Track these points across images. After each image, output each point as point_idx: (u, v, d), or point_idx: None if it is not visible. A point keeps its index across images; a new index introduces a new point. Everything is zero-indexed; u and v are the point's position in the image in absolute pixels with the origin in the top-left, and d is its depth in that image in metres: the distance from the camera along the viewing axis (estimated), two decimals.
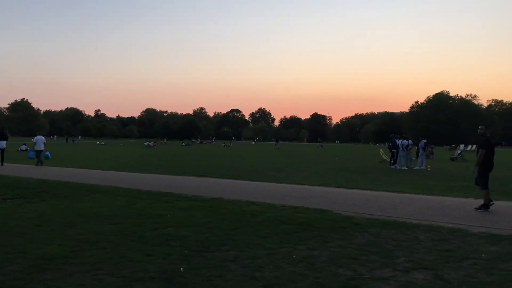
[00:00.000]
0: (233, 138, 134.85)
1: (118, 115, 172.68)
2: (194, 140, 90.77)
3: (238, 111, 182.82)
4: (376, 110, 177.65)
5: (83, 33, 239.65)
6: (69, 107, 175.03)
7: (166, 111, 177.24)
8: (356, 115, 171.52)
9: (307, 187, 12.32)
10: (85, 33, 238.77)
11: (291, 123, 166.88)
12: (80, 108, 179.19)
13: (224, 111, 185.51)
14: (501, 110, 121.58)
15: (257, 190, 11.31)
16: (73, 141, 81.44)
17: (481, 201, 8.65)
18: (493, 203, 8.55)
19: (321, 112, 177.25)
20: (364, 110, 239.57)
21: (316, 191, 11.37)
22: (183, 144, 69.63)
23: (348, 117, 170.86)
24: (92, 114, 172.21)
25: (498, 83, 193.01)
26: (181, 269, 4.67)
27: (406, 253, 5.36)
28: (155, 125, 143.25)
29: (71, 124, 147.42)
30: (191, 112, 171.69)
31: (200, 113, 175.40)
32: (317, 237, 6.16)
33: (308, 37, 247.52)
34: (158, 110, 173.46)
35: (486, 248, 5.60)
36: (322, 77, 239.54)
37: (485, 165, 8.55)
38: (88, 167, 19.35)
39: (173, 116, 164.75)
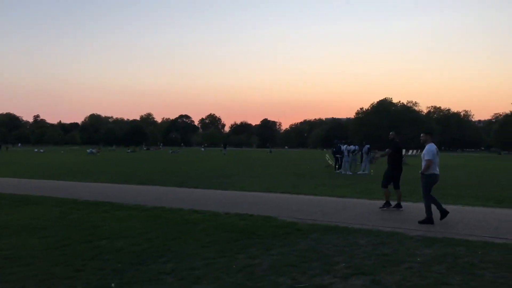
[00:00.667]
0: (182, 144, 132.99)
1: (60, 121, 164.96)
2: (140, 147, 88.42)
3: (187, 116, 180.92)
4: (324, 116, 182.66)
5: (20, 32, 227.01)
6: (4, 113, 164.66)
7: (112, 117, 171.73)
8: (304, 120, 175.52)
9: (253, 193, 12.25)
10: (23, 32, 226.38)
11: (242, 128, 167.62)
12: (17, 113, 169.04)
13: (172, 117, 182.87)
14: (439, 117, 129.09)
15: (201, 198, 11.08)
16: (6, 148, 76.45)
17: (416, 206, 9.00)
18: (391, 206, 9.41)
19: (271, 118, 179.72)
20: (312, 116, 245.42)
21: (262, 197, 11.32)
22: (129, 151, 67.58)
23: (297, 123, 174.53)
24: (31, 120, 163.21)
25: (437, 91, 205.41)
26: (112, 284, 4.39)
27: (346, 258, 5.39)
28: (100, 132, 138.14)
29: (6, 130, 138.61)
30: (138, 118, 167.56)
31: (147, 119, 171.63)
32: (259, 245, 6.07)
33: (259, 43, 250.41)
34: (103, 116, 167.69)
35: (422, 251, 5.76)
36: (272, 83, 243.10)
37: (396, 165, 9.36)
38: (21, 176, 18.14)
39: (119, 122, 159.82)
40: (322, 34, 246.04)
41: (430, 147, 7.89)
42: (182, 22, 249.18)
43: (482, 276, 4.67)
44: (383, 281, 4.52)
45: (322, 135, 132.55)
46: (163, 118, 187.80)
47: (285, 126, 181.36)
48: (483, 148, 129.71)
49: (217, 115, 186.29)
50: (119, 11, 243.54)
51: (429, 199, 7.84)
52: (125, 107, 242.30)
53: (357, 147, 22.78)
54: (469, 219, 8.12)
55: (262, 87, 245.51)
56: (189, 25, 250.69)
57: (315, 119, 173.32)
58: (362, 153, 23.55)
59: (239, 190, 12.95)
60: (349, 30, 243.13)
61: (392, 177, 9.41)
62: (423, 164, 7.91)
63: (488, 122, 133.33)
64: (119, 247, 5.90)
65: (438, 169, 7.90)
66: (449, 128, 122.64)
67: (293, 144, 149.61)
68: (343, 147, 22.31)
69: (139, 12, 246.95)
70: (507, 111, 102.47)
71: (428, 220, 7.70)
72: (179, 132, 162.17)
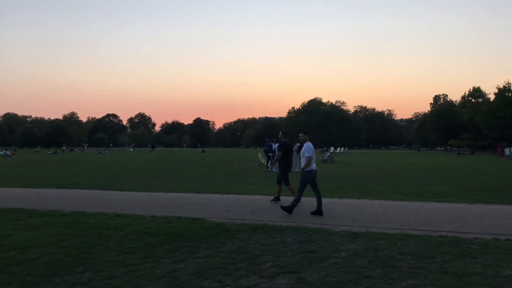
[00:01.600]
0: (111, 144, 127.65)
1: None
2: (64, 148, 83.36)
3: (114, 115, 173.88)
4: (257, 115, 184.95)
5: None
6: None
7: (30, 116, 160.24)
8: (238, 120, 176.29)
9: (182, 194, 11.98)
10: None
11: (173, 128, 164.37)
12: None
13: (99, 116, 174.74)
14: (365, 116, 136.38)
15: (127, 201, 10.61)
16: None
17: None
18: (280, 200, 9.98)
19: (204, 117, 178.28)
20: (246, 115, 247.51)
21: (191, 198, 11.10)
22: (49, 152, 63.42)
23: (231, 122, 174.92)
24: None
25: (363, 91, 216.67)
26: None
27: (273, 257, 5.40)
28: (16, 132, 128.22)
29: None
30: (60, 117, 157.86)
31: (71, 118, 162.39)
32: (185, 248, 5.90)
33: (191, 41, 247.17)
34: (20, 115, 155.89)
35: (346, 246, 5.95)
36: (206, 82, 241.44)
37: (285, 164, 9.92)
38: None
39: (38, 122, 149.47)
40: (255, 33, 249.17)
41: (309, 145, 8.65)
42: (109, 16, 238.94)
43: (401, 268, 4.91)
44: (308, 278, 4.58)
45: (255, 134, 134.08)
46: (88, 118, 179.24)
47: (218, 125, 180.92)
48: (404, 145, 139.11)
49: (147, 114, 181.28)
50: (40, 2, 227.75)
51: (301, 194, 8.58)
52: (45, 106, 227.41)
53: None
54: (390, 213, 8.56)
55: (195, 86, 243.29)
56: (117, 19, 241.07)
57: (248, 118, 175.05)
58: (293, 151, 24.07)
59: (167, 192, 12.59)
60: (281, 30, 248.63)
61: (281, 173, 9.99)
62: (303, 160, 8.57)
63: (409, 121, 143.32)
64: (30, 258, 5.43)
65: (314, 165, 8.68)
66: (374, 127, 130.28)
67: (227, 143, 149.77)
68: (274, 145, 22.66)
69: (61, 4, 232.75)
70: (426, 111, 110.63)
71: (289, 209, 8.46)
72: (106, 132, 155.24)
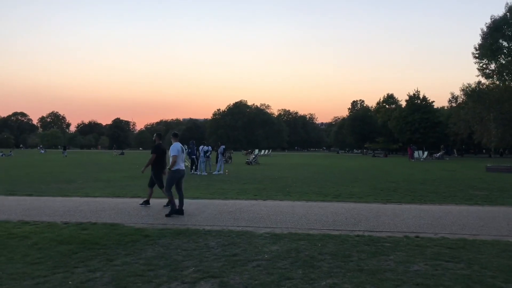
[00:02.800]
0: (21, 146, 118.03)
1: None
2: None
3: (23, 114, 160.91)
4: (181, 116, 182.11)
5: None
6: None
7: None
8: (161, 121, 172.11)
9: (98, 199, 11.38)
10: None
11: (90, 128, 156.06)
12: None
13: (4, 114, 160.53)
14: (288, 119, 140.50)
15: (36, 207, 9.82)
16: None
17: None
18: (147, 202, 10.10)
19: (124, 117, 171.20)
20: (169, 116, 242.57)
21: (108, 203, 10.58)
22: None
23: (153, 123, 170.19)
24: None
25: (287, 95, 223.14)
26: None
27: (196, 262, 5.32)
28: None
29: None
30: None
31: None
32: (102, 256, 5.60)
33: (111, 38, 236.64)
34: None
35: (269, 248, 6.04)
36: (126, 81, 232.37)
37: (159, 167, 9.92)
38: None
39: None
40: (181, 33, 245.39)
41: (176, 146, 8.91)
42: (22, 6, 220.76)
43: (320, 268, 5.09)
44: (231, 282, 4.57)
45: (179, 136, 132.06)
46: None
47: (140, 126, 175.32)
48: (324, 148, 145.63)
49: (61, 113, 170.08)
50: None
51: (170, 192, 8.77)
52: None
53: (210, 147, 23.19)
54: (311, 214, 8.87)
55: (115, 85, 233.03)
56: (28, 12, 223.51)
57: (172, 119, 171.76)
58: (217, 154, 24.07)
59: (82, 197, 11.90)
60: (208, 31, 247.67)
61: (154, 176, 9.98)
62: (171, 160, 8.79)
63: (329, 125, 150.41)
64: None
65: (182, 165, 8.95)
66: (296, 130, 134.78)
67: (148, 145, 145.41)
68: (201, 148, 22.50)
69: None
70: (344, 115, 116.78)
71: (177, 211, 8.67)
72: (12, 132, 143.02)
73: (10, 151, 64.86)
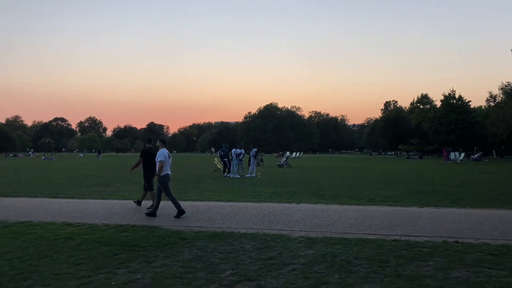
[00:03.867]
0: (63, 150, 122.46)
1: None
2: (6, 153, 78.85)
3: (63, 119, 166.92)
4: (213, 119, 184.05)
5: None
6: None
7: None
8: (193, 124, 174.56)
9: None
10: None
11: (125, 133, 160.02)
12: None
13: (45, 120, 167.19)
14: (319, 121, 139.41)
15: (77, 209, 10.18)
16: None
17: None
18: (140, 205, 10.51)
19: (158, 121, 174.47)
20: (201, 119, 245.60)
21: (145, 205, 10.79)
22: None
23: (186, 127, 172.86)
24: None
25: (318, 97, 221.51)
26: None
27: (232, 265, 5.38)
28: None
29: None
30: (3, 121, 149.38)
31: (14, 122, 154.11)
32: (141, 258, 5.75)
33: (145, 44, 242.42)
34: None
35: (304, 252, 6.02)
36: (160, 86, 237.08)
37: (146, 170, 10.27)
38: None
39: None
40: (212, 37, 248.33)
41: (162, 151, 9.15)
42: (57, 15, 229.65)
43: (357, 272, 5.04)
44: (268, 286, 4.60)
45: (211, 139, 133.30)
46: (34, 121, 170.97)
47: (173, 129, 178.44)
48: (357, 150, 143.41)
49: (98, 118, 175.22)
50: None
51: (171, 196, 9.10)
52: None
53: (242, 150, 23.31)
54: (345, 218, 8.77)
55: (148, 90, 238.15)
56: (65, 18, 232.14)
57: (204, 122, 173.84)
58: (249, 156, 24.19)
59: (119, 199, 12.22)
60: (238, 36, 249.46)
61: (144, 179, 10.38)
62: (157, 166, 9.09)
63: (361, 126, 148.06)
64: None
65: (169, 170, 9.22)
66: (327, 132, 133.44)
67: (182, 148, 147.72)
68: (233, 150, 22.68)
69: (6, 3, 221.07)
70: (377, 116, 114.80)
71: (179, 212, 8.95)
72: (53, 136, 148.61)
73: (52, 155, 67.39)
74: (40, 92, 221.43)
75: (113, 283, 4.72)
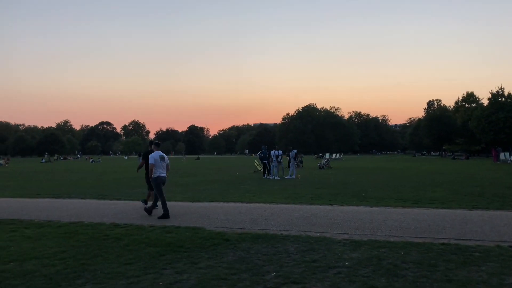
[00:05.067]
0: (110, 152, 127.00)
1: None
2: (56, 157, 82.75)
3: (108, 123, 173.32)
4: (252, 121, 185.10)
5: None
6: None
7: (23, 125, 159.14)
8: (233, 126, 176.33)
9: (179, 203, 11.89)
10: None
11: (167, 135, 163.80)
12: None
13: (92, 124, 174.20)
14: (359, 121, 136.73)
15: (123, 210, 10.52)
16: None
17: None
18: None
19: (198, 124, 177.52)
20: (240, 121, 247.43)
21: (188, 207, 11.03)
22: (43, 161, 62.95)
23: (225, 129, 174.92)
24: None
25: (358, 97, 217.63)
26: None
27: (276, 267, 5.36)
28: (8, 140, 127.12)
29: None
30: (54, 126, 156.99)
31: (64, 126, 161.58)
32: (186, 259, 5.85)
33: (185, 47, 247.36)
34: (13, 123, 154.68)
35: (349, 255, 5.92)
36: (200, 88, 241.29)
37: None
38: None
39: (31, 130, 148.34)
40: (251, 39, 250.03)
41: (153, 155, 9.58)
42: (102, 22, 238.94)
43: (405, 277, 4.89)
44: None
45: (250, 141, 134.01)
46: (81, 125, 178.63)
47: (213, 132, 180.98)
48: (399, 151, 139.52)
49: (141, 121, 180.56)
50: (32, 6, 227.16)
51: (162, 198, 9.45)
52: (38, 114, 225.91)
53: (280, 152, 23.24)
54: (390, 220, 8.55)
55: (189, 93, 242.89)
56: (110, 24, 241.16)
57: (243, 124, 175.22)
58: (289, 158, 24.10)
59: None
60: (276, 37, 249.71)
61: (146, 180, 10.95)
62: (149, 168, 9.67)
63: (404, 126, 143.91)
64: (29, 270, 5.36)
65: (163, 172, 9.59)
66: (368, 132, 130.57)
67: (222, 150, 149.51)
68: (272, 152, 22.66)
69: (53, 9, 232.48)
70: (420, 116, 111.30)
71: (164, 215, 9.20)
72: (99, 140, 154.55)
73: (99, 158, 70.17)
74: (88, 97, 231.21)
75: (160, 283, 4.83)
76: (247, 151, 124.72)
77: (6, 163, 50.14)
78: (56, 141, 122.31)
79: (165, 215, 9.22)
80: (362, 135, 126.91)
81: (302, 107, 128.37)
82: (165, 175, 9.63)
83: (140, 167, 11.42)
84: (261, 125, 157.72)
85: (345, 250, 6.17)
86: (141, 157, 11.37)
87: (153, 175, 9.44)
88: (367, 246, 6.39)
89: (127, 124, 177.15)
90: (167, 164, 9.77)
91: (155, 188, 9.57)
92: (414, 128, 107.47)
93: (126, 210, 10.66)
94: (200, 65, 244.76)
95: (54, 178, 24.62)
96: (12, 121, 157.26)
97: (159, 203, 9.89)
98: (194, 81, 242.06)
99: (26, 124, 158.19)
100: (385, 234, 7.26)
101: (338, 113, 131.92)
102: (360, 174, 25.11)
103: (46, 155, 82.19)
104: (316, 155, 75.94)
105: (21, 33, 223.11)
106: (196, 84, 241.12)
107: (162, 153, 9.76)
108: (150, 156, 9.64)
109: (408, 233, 7.36)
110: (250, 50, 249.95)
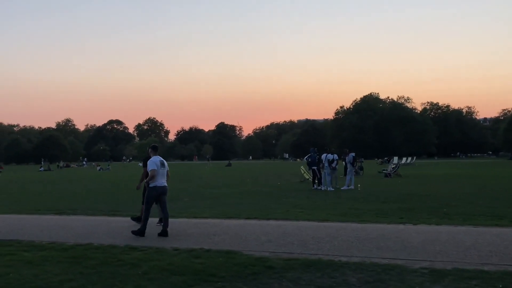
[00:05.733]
0: (124, 158, 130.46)
1: None
2: (62, 163, 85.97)
3: (118, 122, 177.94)
4: (296, 117, 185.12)
5: None
6: None
7: (18, 125, 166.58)
8: (272, 124, 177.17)
9: (209, 220, 12.08)
10: None
11: (190, 136, 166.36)
12: None
13: (99, 123, 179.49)
14: (436, 115, 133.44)
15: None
16: None
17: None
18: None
19: (228, 121, 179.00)
20: (281, 118, 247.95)
21: (221, 225, 11.17)
22: (41, 169, 65.52)
23: (263, 127, 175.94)
24: None
25: (434, 84, 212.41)
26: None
27: None
28: (1, 144, 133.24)
29: None
30: (53, 126, 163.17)
31: (65, 127, 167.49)
32: None
33: (210, 30, 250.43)
34: (6, 124, 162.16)
35: None
36: (230, 80, 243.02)
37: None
38: None
39: (27, 132, 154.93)
40: (291, 21, 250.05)
41: (153, 159, 10.08)
42: (106, 7, 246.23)
43: None
44: None
45: (293, 142, 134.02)
46: (86, 125, 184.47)
47: (247, 131, 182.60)
48: (490, 153, 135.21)
49: (158, 119, 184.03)
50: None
51: (147, 212, 10.00)
52: (35, 113, 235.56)
53: (335, 156, 22.94)
54: (482, 243, 8.35)
55: (216, 85, 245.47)
56: (124, 10, 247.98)
57: (284, 121, 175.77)
58: (345, 163, 23.89)
59: (188, 217, 12.73)
60: (327, 11, 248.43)
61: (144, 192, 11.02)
62: (149, 174, 9.97)
63: (495, 121, 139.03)
64: None
65: (163, 181, 10.09)
66: (448, 128, 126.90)
67: (258, 153, 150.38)
68: (323, 156, 22.47)
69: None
70: None
71: (140, 232, 9.83)
72: (108, 142, 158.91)
73: (108, 165, 72.25)
74: (92, 91, 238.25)
75: None
76: (286, 155, 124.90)
77: None
78: (56, 145, 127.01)
79: (141, 232, 9.87)
80: (440, 132, 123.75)
81: (361, 98, 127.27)
82: (165, 184, 10.18)
83: (143, 178, 11.19)
84: (307, 121, 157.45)
85: (423, 282, 6.07)
86: (142, 164, 11.51)
87: (151, 184, 9.91)
88: (452, 277, 6.26)
89: (141, 122, 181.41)
90: (167, 171, 10.32)
91: (146, 200, 10.07)
92: (508, 123, 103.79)
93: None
94: (228, 50, 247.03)
95: (55, 190, 25.56)
96: (5, 121, 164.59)
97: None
98: (221, 69, 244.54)
99: (21, 125, 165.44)
100: (476, 262, 7.10)
101: (408, 105, 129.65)
102: (439, 184, 24.56)
103: (43, 162, 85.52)
104: (380, 160, 74.89)
105: (14, 20, 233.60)
106: (224, 72, 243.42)
107: (162, 158, 10.30)
108: (150, 161, 10.09)
109: (507, 260, 7.17)
110: (288, 26, 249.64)
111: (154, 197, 10.01)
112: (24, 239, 9.88)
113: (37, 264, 7.54)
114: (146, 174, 10.84)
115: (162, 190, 10.05)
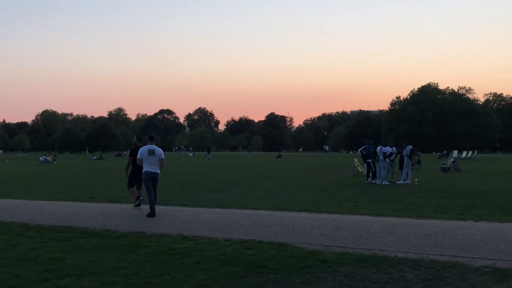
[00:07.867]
0: (175, 148, 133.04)
1: (4, 120, 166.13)
2: (125, 152, 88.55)
3: (169, 112, 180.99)
4: (348, 108, 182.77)
5: None
6: None
7: (71, 114, 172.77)
8: (323, 115, 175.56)
9: (261, 212, 12.20)
10: None
11: (240, 126, 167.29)
12: None
13: (150, 113, 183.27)
14: (501, 106, 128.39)
15: (192, 219, 11.02)
16: None
17: None
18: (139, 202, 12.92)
19: (279, 112, 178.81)
20: (333, 109, 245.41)
21: (273, 217, 11.25)
22: (94, 158, 67.73)
23: (314, 118, 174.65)
24: None
25: (498, 73, 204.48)
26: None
27: None
28: (55, 133, 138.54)
29: None
30: (105, 115, 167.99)
31: (117, 116, 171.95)
32: (272, 282, 6.00)
33: (260, 19, 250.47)
34: (60, 112, 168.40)
35: (492, 287, 5.68)
36: (281, 69, 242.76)
37: (133, 169, 12.72)
38: None
39: (80, 121, 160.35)
40: (347, 7, 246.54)
41: (142, 149, 11.79)
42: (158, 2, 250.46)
43: None
44: None
45: (346, 133, 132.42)
46: (138, 115, 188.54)
47: (298, 122, 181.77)
48: None
49: (208, 109, 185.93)
50: None
51: (149, 194, 11.57)
52: (88, 102, 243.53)
53: (394, 149, 22.58)
54: None
55: (267, 73, 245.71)
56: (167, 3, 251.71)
57: (336, 112, 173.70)
58: (402, 157, 23.44)
59: (240, 208, 12.88)
60: (380, 3, 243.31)
61: (137, 179, 12.67)
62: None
63: None
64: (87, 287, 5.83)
65: (150, 167, 11.59)
66: None
67: (309, 145, 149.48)
68: (378, 148, 22.17)
69: None
70: None
71: (150, 214, 11.34)
72: (159, 132, 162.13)
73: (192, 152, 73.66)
74: (144, 81, 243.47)
75: None
76: (327, 148, 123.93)
77: (54, 160, 54.65)
78: (108, 134, 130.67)
79: (152, 214, 11.33)
80: (505, 125, 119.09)
81: (419, 88, 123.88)
82: (155, 171, 11.66)
83: (127, 167, 13.00)
84: (361, 112, 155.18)
85: (485, 281, 5.93)
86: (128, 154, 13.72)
87: (143, 169, 11.62)
88: None
89: (191, 112, 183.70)
90: (160, 159, 11.73)
91: (144, 184, 11.87)
92: None
93: (195, 218, 11.14)
94: (279, 40, 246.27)
95: (109, 179, 26.40)
96: (59, 110, 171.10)
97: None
98: (272, 59, 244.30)
99: (75, 114, 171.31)
100: None
101: (469, 96, 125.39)
102: (502, 180, 23.74)
103: (96, 151, 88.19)
104: (439, 153, 72.95)
105: (70, 11, 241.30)
106: (275, 62, 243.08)
107: (154, 147, 11.78)
108: (139, 151, 11.82)
109: None
110: (341, 15, 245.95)
111: (147, 180, 11.61)
112: (79, 225, 10.32)
113: (92, 251, 7.85)
114: (130, 162, 12.83)
115: (152, 175, 11.58)
